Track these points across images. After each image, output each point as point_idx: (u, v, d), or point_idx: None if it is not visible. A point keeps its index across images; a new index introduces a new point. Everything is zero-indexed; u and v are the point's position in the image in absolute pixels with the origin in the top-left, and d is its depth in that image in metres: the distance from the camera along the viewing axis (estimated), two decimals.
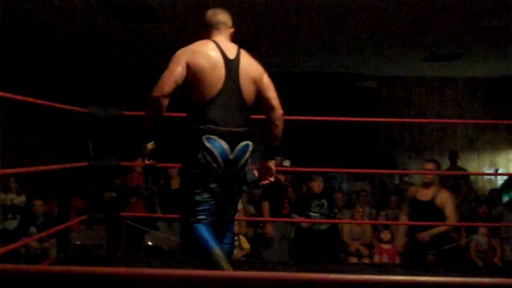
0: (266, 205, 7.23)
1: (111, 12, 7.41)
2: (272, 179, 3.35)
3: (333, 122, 10.78)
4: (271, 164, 3.32)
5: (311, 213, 6.97)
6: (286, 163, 7.92)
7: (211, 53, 3.09)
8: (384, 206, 8.72)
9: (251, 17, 7.50)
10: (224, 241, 3.17)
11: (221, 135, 2.99)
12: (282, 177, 7.63)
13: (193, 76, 3.03)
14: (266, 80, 3.21)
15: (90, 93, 10.91)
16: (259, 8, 7.09)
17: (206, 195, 3.03)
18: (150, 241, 7.74)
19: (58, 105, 4.08)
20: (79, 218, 5.41)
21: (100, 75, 11.91)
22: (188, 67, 3.03)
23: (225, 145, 3.00)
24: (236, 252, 6.58)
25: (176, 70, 3.00)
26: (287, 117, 3.35)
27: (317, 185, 7.04)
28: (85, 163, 4.46)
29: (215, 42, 3.16)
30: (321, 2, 6.74)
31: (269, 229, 7.21)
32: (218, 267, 2.80)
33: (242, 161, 3.07)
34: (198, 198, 3.03)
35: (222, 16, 3.28)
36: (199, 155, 2.99)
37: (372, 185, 10.39)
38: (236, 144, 3.03)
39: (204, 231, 2.97)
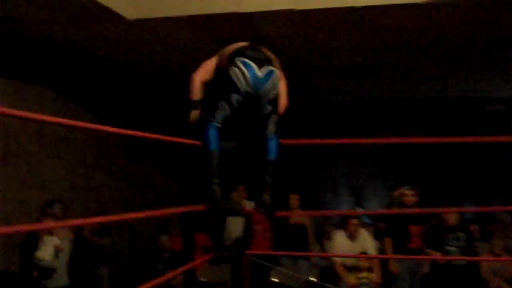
0: (388, 241, 6.84)
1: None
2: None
3: (459, 148, 10.22)
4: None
5: (448, 248, 6.49)
6: (407, 190, 7.39)
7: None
8: None
9: (373, 43, 7.27)
10: (268, 148, 3.77)
11: (252, 59, 3.63)
12: (406, 209, 7.21)
13: None
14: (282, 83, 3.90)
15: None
16: (381, 34, 6.85)
17: (226, 105, 3.65)
18: (275, 278, 7.55)
19: (179, 139, 4.01)
20: (204, 258, 5.29)
21: None
22: None
23: (253, 65, 3.59)
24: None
25: None
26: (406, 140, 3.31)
27: (453, 217, 6.57)
28: (208, 205, 4.32)
29: None
30: (444, 25, 6.44)
31: (393, 267, 6.80)
32: (210, 166, 3.65)
33: (271, 82, 3.63)
34: (219, 104, 3.68)
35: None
36: (230, 72, 3.64)
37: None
38: (265, 67, 3.62)
39: (211, 132, 3.69)
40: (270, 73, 3.63)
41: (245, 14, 6.07)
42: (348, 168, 12.57)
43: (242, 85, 3.60)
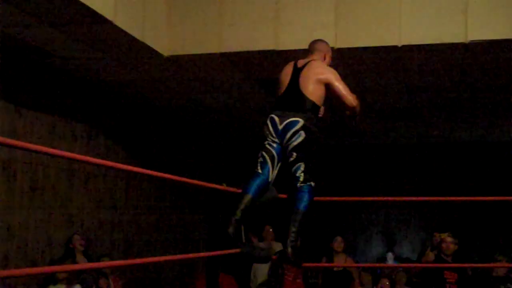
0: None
1: (261, 86, 7.31)
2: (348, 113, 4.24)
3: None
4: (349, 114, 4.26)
5: None
6: (447, 235, 7.03)
7: (288, 67, 4.31)
8: None
9: (409, 87, 7.10)
10: (296, 198, 3.97)
11: (275, 114, 4.06)
12: (444, 256, 6.88)
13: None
14: (335, 84, 4.09)
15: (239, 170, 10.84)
16: (416, 76, 6.69)
17: (262, 153, 4.07)
18: None
19: (211, 185, 4.07)
20: None
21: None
22: None
23: (276, 119, 4.03)
24: None
25: None
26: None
27: (502, 268, 6.24)
28: (236, 250, 4.17)
29: (298, 60, 4.30)
30: (483, 66, 6.29)
31: None
32: (236, 206, 3.89)
33: (291, 131, 3.95)
34: (259, 155, 4.10)
35: (318, 45, 4.42)
36: (264, 127, 4.12)
37: None
38: (285, 119, 3.98)
39: (252, 178, 4.01)
40: (290, 123, 3.97)
41: (282, 51, 5.94)
42: (381, 212, 12.28)
43: (269, 136, 4.07)
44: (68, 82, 7.03)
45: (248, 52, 6.06)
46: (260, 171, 4.05)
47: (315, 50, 4.38)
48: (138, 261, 4.10)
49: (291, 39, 5.85)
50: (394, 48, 5.67)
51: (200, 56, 6.19)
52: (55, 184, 6.82)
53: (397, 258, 11.29)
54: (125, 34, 5.43)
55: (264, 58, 6.20)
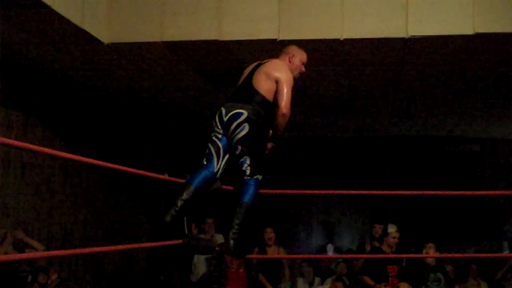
0: (367, 281, 6.63)
1: (203, 75, 7.27)
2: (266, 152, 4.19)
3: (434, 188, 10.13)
4: (269, 144, 4.20)
5: None
6: (392, 228, 7.22)
7: (253, 64, 4.28)
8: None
9: (353, 78, 7.17)
10: (242, 190, 3.97)
11: (224, 105, 4.07)
12: (386, 248, 7.03)
13: None
14: (282, 85, 4.04)
15: (183, 162, 10.77)
16: (357, 69, 6.77)
17: (208, 146, 4.07)
18: None
19: (152, 174, 4.06)
20: None
21: (187, 139, 11.80)
22: None
23: (223, 110, 4.02)
24: None
25: None
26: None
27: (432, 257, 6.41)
28: (179, 241, 4.13)
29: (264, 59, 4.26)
30: (422, 62, 6.41)
31: None
32: (177, 196, 3.85)
33: (235, 124, 3.94)
34: (206, 147, 4.08)
35: (286, 47, 4.38)
36: (212, 117, 4.11)
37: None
38: (230, 111, 3.98)
39: (198, 170, 3.99)
40: (234, 115, 3.96)
41: (225, 42, 5.92)
42: (322, 203, 12.41)
43: (215, 127, 4.07)
44: (3, 68, 6.81)
45: (190, 41, 6.00)
46: (205, 163, 4.02)
47: (282, 53, 4.35)
48: (76, 251, 3.99)
49: (234, 30, 5.83)
50: (336, 41, 5.71)
51: (141, 45, 6.09)
52: None
53: (337, 249, 11.46)
54: (64, 19, 5.29)
55: (207, 48, 6.15)
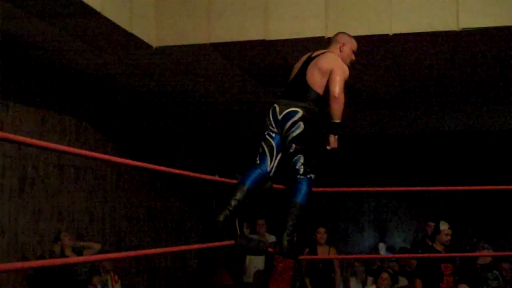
0: (419, 284, 6.50)
1: (251, 75, 7.27)
2: (328, 148, 3.99)
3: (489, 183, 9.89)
4: (330, 136, 3.98)
5: None
6: (444, 225, 7.05)
7: (304, 56, 4.18)
8: None
9: (400, 75, 7.07)
10: (295, 190, 3.90)
11: (277, 102, 4.00)
12: (439, 246, 6.88)
13: None
14: (333, 72, 3.90)
15: (233, 163, 10.81)
16: (407, 65, 6.66)
17: (262, 144, 4.00)
18: None
19: (203, 176, 4.07)
20: None
21: (239, 140, 11.82)
22: None
23: (277, 108, 3.96)
24: None
25: None
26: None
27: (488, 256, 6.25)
28: (231, 242, 4.12)
29: (315, 50, 4.15)
30: (477, 51, 6.22)
31: None
32: (231, 196, 3.79)
33: (290, 122, 3.88)
34: (259, 146, 4.01)
35: (337, 35, 4.26)
36: (266, 116, 4.04)
37: None
38: (285, 109, 3.91)
39: (250, 170, 3.94)
40: (289, 114, 3.89)
41: (272, 41, 5.91)
42: (373, 202, 12.28)
43: (269, 126, 4.00)
44: (56, 75, 6.95)
45: (237, 42, 6.01)
46: (259, 162, 3.97)
47: (332, 41, 4.23)
48: (131, 253, 4.04)
49: (281, 29, 5.81)
50: (385, 37, 5.63)
51: (189, 47, 6.13)
52: (44, 179, 6.76)
53: (389, 249, 11.31)
54: (113, 25, 5.37)
55: (254, 48, 6.15)
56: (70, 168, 7.21)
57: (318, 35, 5.67)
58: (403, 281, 8.01)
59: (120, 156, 7.98)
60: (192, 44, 6.06)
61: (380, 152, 12.06)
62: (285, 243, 3.83)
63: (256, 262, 7.98)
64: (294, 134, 3.88)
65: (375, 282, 7.95)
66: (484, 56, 6.37)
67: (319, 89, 3.94)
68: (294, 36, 5.80)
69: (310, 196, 3.92)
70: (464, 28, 5.45)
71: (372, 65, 6.74)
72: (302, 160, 3.90)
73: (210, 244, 4.33)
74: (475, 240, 8.43)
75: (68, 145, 7.12)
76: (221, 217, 3.74)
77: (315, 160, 3.99)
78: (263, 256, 7.79)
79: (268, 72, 7.05)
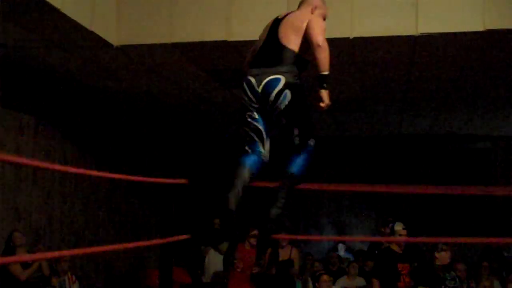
0: (376, 283, 6.59)
1: (211, 76, 7.27)
2: (322, 105, 3.58)
3: (446, 184, 10.08)
4: (321, 91, 3.57)
5: None
6: (398, 226, 7.19)
7: (269, 22, 3.76)
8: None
9: (360, 77, 7.14)
10: (291, 161, 3.57)
11: (251, 74, 3.51)
12: (395, 246, 6.99)
13: None
14: (310, 22, 3.50)
15: (187, 157, 10.78)
16: (367, 68, 6.74)
17: (245, 130, 3.57)
18: None
19: (160, 180, 3.89)
20: None
21: (198, 139, 11.80)
22: None
23: (253, 80, 3.48)
24: None
25: None
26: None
27: (447, 256, 6.34)
28: (187, 236, 4.11)
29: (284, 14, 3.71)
30: (431, 59, 6.37)
31: None
32: (233, 182, 3.40)
33: (273, 93, 3.43)
34: (243, 132, 3.59)
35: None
36: (241, 93, 3.56)
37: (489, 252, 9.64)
38: (263, 79, 3.44)
39: (243, 158, 3.52)
40: (270, 83, 3.46)
41: (234, 42, 5.91)
42: (332, 203, 12.39)
43: (248, 104, 3.55)
44: (15, 72, 6.83)
45: (199, 42, 5.99)
46: (249, 150, 3.58)
47: (304, 3, 3.80)
48: (88, 250, 3.99)
49: (243, 31, 5.81)
50: (346, 40, 5.69)
51: (150, 46, 6.11)
52: (1, 177, 6.64)
53: (348, 250, 11.42)
54: (73, 22, 5.31)
55: (215, 49, 6.15)
56: (28, 167, 7.09)
57: None
58: (361, 281, 8.13)
59: (79, 154, 7.92)
60: (153, 44, 6.03)
61: (339, 154, 12.17)
62: (274, 214, 3.44)
63: (215, 263, 7.99)
64: (282, 106, 3.46)
65: (333, 283, 8.03)
66: (442, 60, 6.48)
67: (295, 47, 3.52)
68: (256, 38, 5.81)
69: (308, 165, 3.63)
70: (422, 33, 5.54)
71: (332, 67, 6.78)
72: (296, 132, 3.54)
73: (166, 240, 4.31)
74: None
75: (26, 143, 7.02)
76: (233, 205, 3.39)
77: (310, 125, 3.67)
78: (222, 257, 7.81)
79: (229, 73, 7.05)
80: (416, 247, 8.31)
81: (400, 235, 6.81)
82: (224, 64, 6.68)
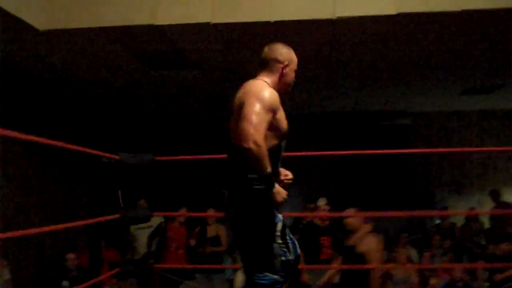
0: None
1: (139, 59, 7.36)
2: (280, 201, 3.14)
3: (368, 160, 10.49)
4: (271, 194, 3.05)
5: None
6: (322, 201, 7.55)
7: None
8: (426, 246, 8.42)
9: None
10: None
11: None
12: (318, 221, 7.35)
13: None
14: (245, 108, 2.88)
15: (117, 140, 10.81)
16: (294, 48, 6.95)
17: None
18: None
19: (88, 150, 3.95)
20: (110, 272, 5.20)
21: (127, 122, 11.85)
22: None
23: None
24: None
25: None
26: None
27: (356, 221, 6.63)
28: (116, 216, 4.26)
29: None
30: (354, 38, 6.60)
31: (305, 278, 6.87)
32: None
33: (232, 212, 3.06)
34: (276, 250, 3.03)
35: (271, 53, 3.20)
36: None
37: (411, 224, 10.15)
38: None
39: None
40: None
41: (160, 26, 6.03)
42: None
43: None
44: None
45: (125, 26, 6.07)
46: None
47: (266, 64, 3.20)
48: (17, 233, 4.08)
49: (168, 14, 5.92)
50: (267, 23, 5.89)
51: (77, 31, 6.14)
52: None
53: None
54: None
55: (142, 32, 6.24)
56: None
57: (204, 21, 5.86)
58: None
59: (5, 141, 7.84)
60: (80, 28, 6.07)
61: None
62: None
63: (145, 241, 8.14)
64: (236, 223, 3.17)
65: None
66: (361, 42, 6.76)
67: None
68: (181, 22, 5.95)
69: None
70: (339, 17, 5.80)
71: (255, 51, 6.99)
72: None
73: (96, 219, 4.43)
74: None
75: None
76: None
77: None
78: (151, 236, 7.99)
79: (157, 56, 7.16)
80: (341, 220, 8.68)
81: (323, 210, 7.17)
82: (151, 47, 6.76)
